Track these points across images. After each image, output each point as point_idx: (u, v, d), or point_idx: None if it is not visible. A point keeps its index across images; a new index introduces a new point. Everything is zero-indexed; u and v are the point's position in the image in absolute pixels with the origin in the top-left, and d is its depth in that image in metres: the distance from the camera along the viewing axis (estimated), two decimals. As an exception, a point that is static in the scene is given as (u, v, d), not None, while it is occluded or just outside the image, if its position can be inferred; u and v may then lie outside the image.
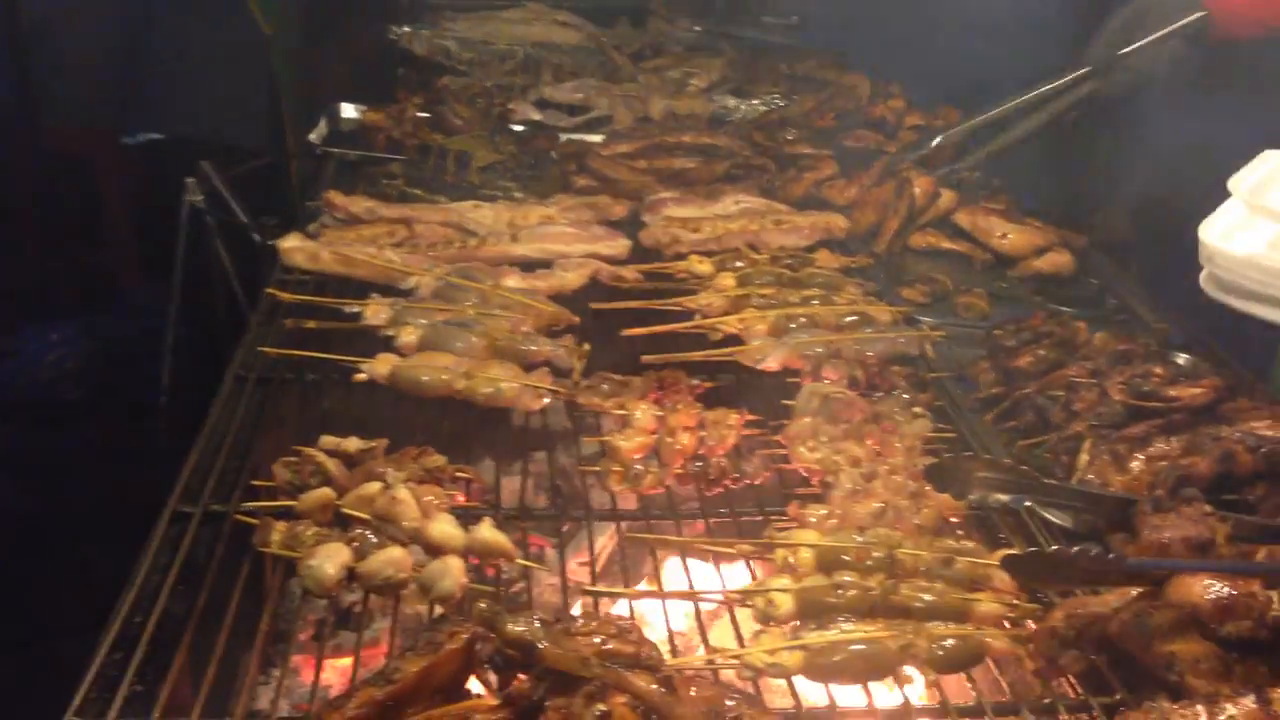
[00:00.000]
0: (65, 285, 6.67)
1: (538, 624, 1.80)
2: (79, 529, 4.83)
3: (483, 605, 1.84)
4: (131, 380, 5.70)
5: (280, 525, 2.22)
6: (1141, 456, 2.46)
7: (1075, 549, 2.07)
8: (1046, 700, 2.00)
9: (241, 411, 2.69)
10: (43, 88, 6.46)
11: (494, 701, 1.58)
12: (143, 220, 6.75)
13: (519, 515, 2.51)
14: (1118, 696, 1.97)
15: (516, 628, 1.78)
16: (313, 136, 4.43)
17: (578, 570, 3.03)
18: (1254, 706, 1.73)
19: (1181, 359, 3.14)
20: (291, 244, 3.38)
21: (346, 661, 2.74)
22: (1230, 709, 1.74)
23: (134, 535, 2.30)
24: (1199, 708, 1.74)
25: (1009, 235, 3.86)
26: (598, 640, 1.85)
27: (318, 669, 2.06)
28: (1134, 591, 2.07)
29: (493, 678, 1.82)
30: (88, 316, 6.13)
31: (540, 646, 1.76)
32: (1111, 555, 2.05)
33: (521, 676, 1.75)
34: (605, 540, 2.94)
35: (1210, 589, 1.99)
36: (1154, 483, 2.38)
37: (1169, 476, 2.36)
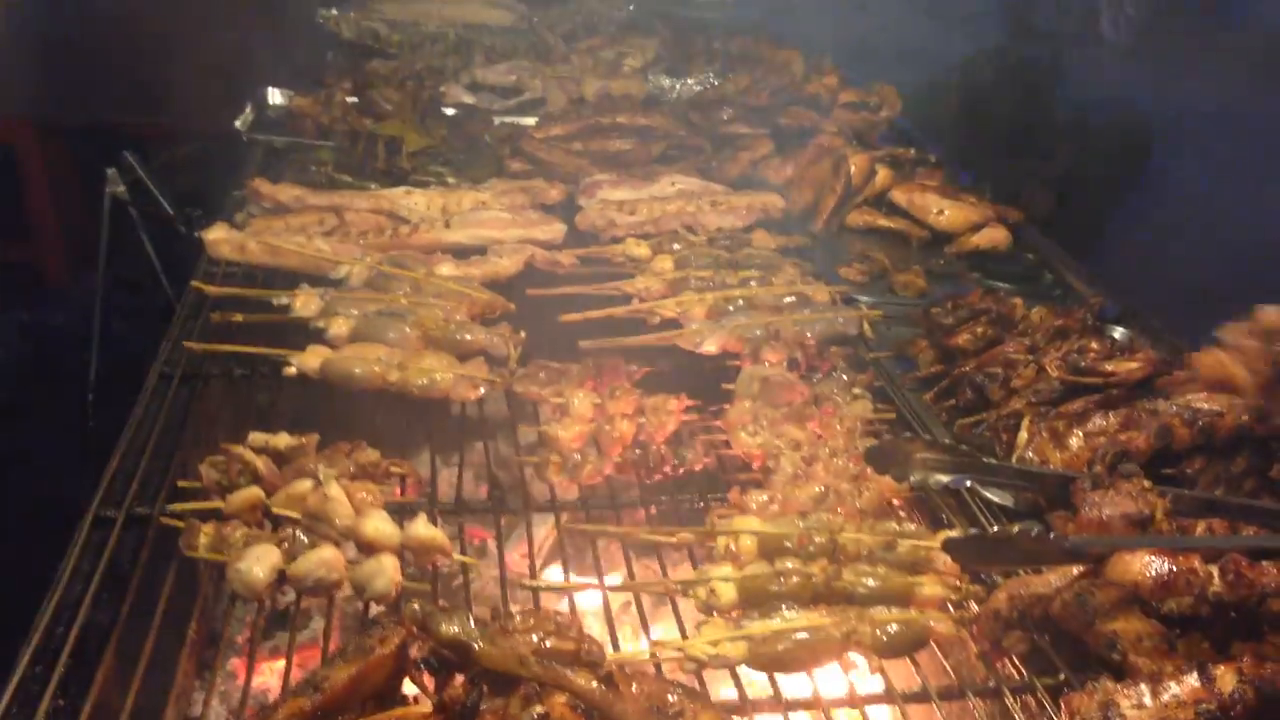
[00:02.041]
0: (-10, 280, 6.48)
1: (473, 624, 1.76)
2: (5, 531, 4.69)
3: (415, 606, 1.79)
4: (60, 377, 5.55)
5: (207, 528, 2.15)
6: (1080, 433, 2.46)
7: (1016, 529, 2.06)
8: (991, 683, 1.99)
9: (166, 410, 2.60)
10: (-42, 75, 6.25)
11: (427, 708, 1.53)
12: (67, 212, 6.56)
13: (456, 510, 2.46)
14: (1062, 677, 1.97)
15: (451, 628, 1.73)
16: (238, 123, 4.32)
17: (518, 562, 2.99)
18: (1196, 685, 1.73)
19: (1118, 333, 3.16)
20: (217, 235, 3.28)
21: (281, 664, 2.69)
22: (1174, 687, 1.73)
23: (56, 534, 2.22)
24: (1142, 687, 1.74)
25: (945, 211, 3.86)
26: (536, 638, 1.81)
27: (250, 672, 1.99)
28: (1075, 570, 2.07)
29: (428, 680, 1.77)
30: (14, 313, 5.95)
31: (476, 647, 1.71)
32: (1052, 535, 2.04)
33: (458, 677, 1.70)
34: (545, 531, 2.90)
35: (1150, 566, 1.99)
36: (1093, 459, 2.39)
37: (1107, 452, 2.37)
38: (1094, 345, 2.63)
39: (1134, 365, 2.56)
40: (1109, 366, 2.56)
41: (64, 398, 5.30)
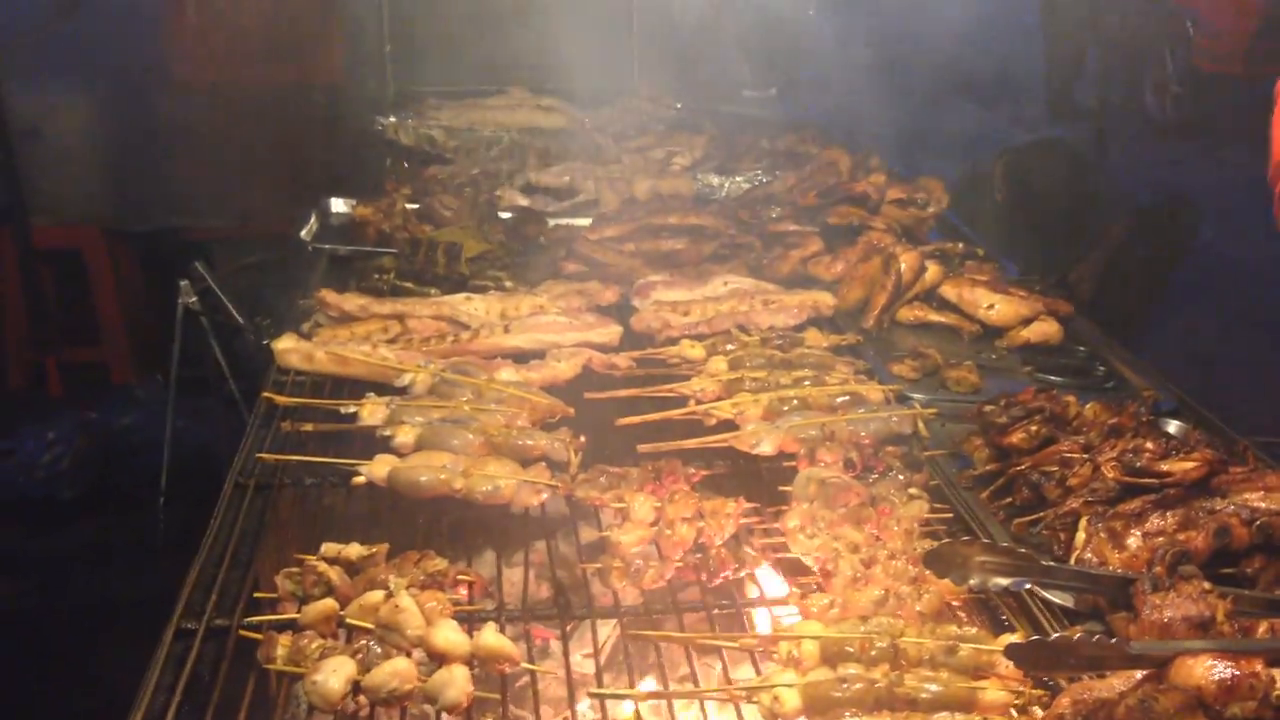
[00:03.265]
0: (61, 381, 6.69)
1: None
2: (79, 629, 4.80)
3: None
4: (129, 477, 5.70)
5: (284, 639, 2.22)
6: (1138, 533, 2.48)
7: (1077, 635, 2.08)
8: (1057, 789, 1.99)
9: (241, 520, 2.70)
10: (30, 185, 6.52)
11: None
12: (134, 313, 6.79)
13: (522, 616, 2.51)
14: (1128, 783, 1.97)
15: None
16: (304, 233, 4.48)
17: (583, 662, 3.03)
18: None
19: (1173, 426, 3.18)
20: (286, 345, 3.41)
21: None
22: None
23: (134, 635, 2.30)
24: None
25: (996, 306, 3.91)
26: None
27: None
28: (1139, 674, 2.08)
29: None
30: (83, 413, 6.13)
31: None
32: (1114, 640, 2.06)
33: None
34: (609, 633, 2.94)
35: (1213, 670, 2.00)
36: (1152, 560, 2.40)
37: (1166, 553, 2.37)
38: (1149, 445, 2.65)
39: (1190, 465, 2.57)
40: (1165, 466, 2.58)
41: (131, 496, 5.45)
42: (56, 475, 5.63)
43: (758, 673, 2.31)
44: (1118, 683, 2.08)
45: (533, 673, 2.33)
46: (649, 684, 2.57)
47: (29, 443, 5.71)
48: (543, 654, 3.18)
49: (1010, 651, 2.12)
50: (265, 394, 3.19)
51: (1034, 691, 2.16)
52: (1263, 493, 2.50)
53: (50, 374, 6.79)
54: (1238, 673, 1.99)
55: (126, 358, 6.80)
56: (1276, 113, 3.14)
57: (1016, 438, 2.92)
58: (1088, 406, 3.06)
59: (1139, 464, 2.61)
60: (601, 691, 2.25)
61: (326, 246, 4.36)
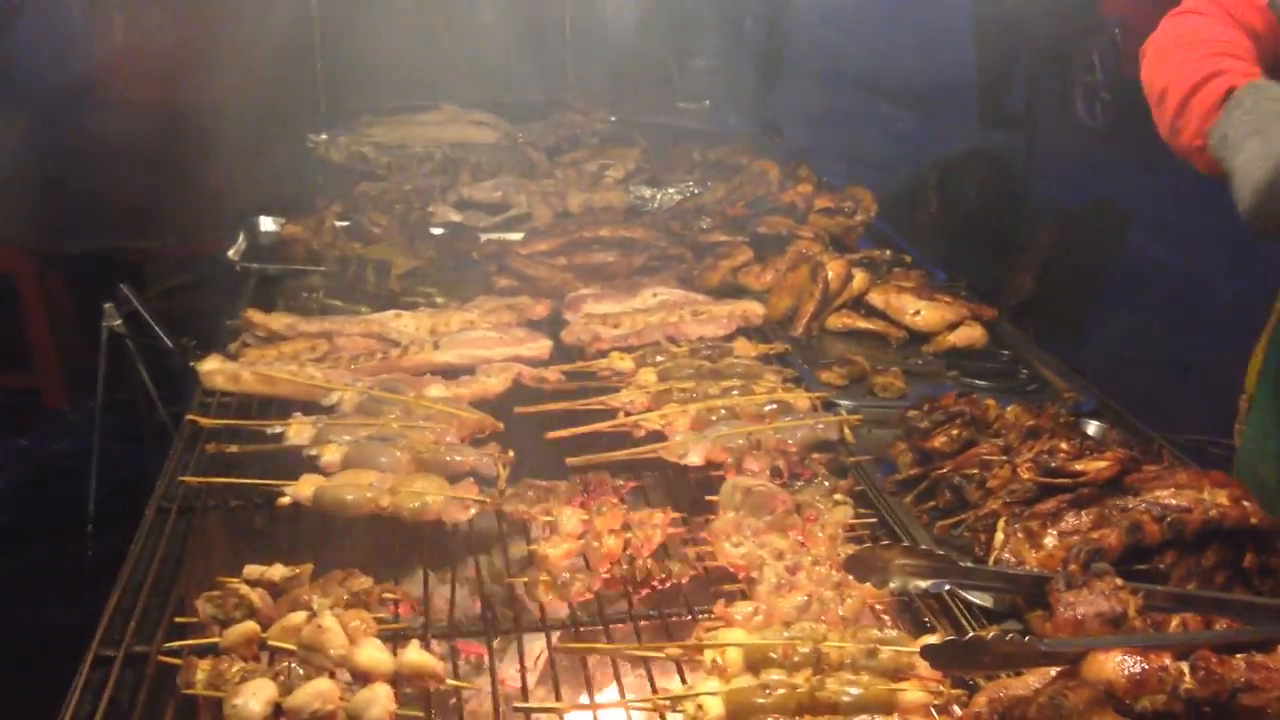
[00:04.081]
0: (-10, 407, 6.59)
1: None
2: (8, 655, 4.72)
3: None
4: (61, 502, 5.62)
5: (204, 664, 2.20)
6: (1054, 532, 2.52)
7: (991, 634, 2.12)
8: (974, 788, 2.02)
9: (164, 545, 2.67)
10: (-43, 208, 6.42)
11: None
12: (66, 338, 6.69)
13: (449, 632, 2.51)
14: (1043, 779, 2.00)
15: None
16: (232, 252, 4.45)
17: (512, 678, 3.02)
18: None
19: (1092, 427, 3.24)
20: (211, 366, 3.38)
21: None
22: None
23: (64, 662, 2.27)
24: None
25: (921, 312, 3.96)
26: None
27: (248, 808, 2.03)
28: (1053, 671, 2.11)
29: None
30: (13, 439, 6.04)
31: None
32: (1027, 638, 2.09)
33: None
34: (538, 649, 2.94)
35: (1123, 665, 2.04)
36: (1067, 558, 2.44)
37: (1080, 551, 2.42)
38: (1064, 445, 2.70)
39: (1103, 464, 2.62)
40: (1079, 466, 2.63)
41: (63, 522, 5.37)
42: (-14, 502, 5.55)
43: (684, 681, 2.33)
44: (1033, 680, 2.12)
45: (459, 690, 2.32)
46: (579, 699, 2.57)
47: (-42, 470, 5.62)
48: (475, 670, 3.17)
49: (927, 652, 2.14)
50: (189, 416, 3.17)
51: (953, 691, 2.19)
52: (1173, 490, 2.55)
53: (-19, 399, 6.68)
54: (1147, 666, 2.03)
55: (58, 382, 6.70)
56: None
57: (938, 442, 2.96)
58: (1009, 409, 3.11)
59: (1054, 464, 2.65)
60: (527, 706, 2.25)
61: (255, 265, 4.33)
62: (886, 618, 2.53)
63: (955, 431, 2.97)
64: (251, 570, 2.48)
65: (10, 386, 6.80)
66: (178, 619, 2.39)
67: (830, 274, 4.02)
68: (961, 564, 2.43)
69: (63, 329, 6.77)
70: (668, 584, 2.62)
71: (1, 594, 5.17)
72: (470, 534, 2.87)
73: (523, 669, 2.43)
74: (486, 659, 2.97)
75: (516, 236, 4.80)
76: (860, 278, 4.10)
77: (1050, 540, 2.52)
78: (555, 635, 2.53)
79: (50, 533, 5.53)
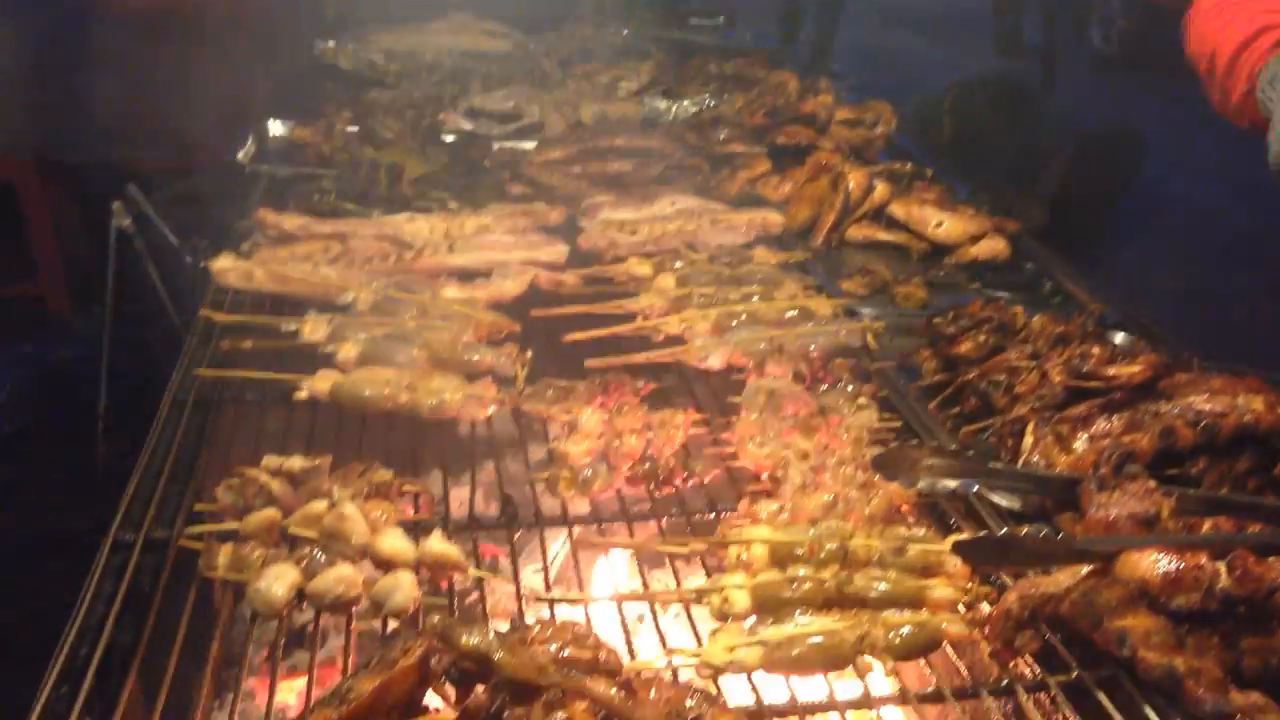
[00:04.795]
0: (-6, 316, 6.53)
1: (493, 635, 1.78)
2: (18, 564, 4.71)
3: (436, 619, 1.82)
4: (68, 409, 5.58)
5: (226, 549, 2.18)
6: (1084, 436, 2.49)
7: (1025, 531, 2.09)
8: (1005, 682, 2.00)
9: (180, 435, 2.63)
10: (-43, 115, 6.31)
11: (452, 715, 1.56)
12: (70, 246, 6.61)
13: (469, 526, 2.48)
14: (1075, 674, 1.99)
15: (471, 639, 1.76)
16: (241, 155, 4.36)
17: (532, 578, 3.01)
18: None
19: (1119, 338, 3.19)
20: (224, 264, 3.32)
21: (301, 682, 2.70)
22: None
23: (76, 568, 2.24)
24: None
25: (944, 224, 3.90)
26: (554, 647, 1.83)
27: (271, 690, 2.01)
28: (1084, 570, 2.09)
29: (450, 691, 1.80)
30: (19, 347, 5.99)
31: (496, 657, 1.74)
32: (1060, 535, 2.07)
33: (479, 688, 1.72)
34: (558, 546, 2.93)
35: (1158, 563, 2.02)
36: (1098, 462, 2.41)
37: (1112, 454, 2.39)
38: (1096, 350, 2.66)
39: (1136, 369, 2.58)
40: (1111, 370, 2.59)
41: (71, 431, 5.33)
42: (-5, 407, 5.51)
43: (708, 578, 2.30)
44: (1064, 579, 2.10)
45: (481, 580, 2.30)
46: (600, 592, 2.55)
47: (-36, 376, 5.58)
48: (490, 570, 3.16)
49: (958, 548, 2.13)
50: (203, 311, 3.11)
51: (981, 589, 2.17)
52: (1207, 395, 2.52)
53: (-15, 308, 6.62)
54: (1183, 565, 2.01)
55: (63, 291, 6.63)
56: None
57: (965, 347, 2.92)
58: (1035, 318, 3.06)
59: (1086, 369, 2.61)
60: (551, 596, 2.23)
61: (264, 168, 4.25)
62: (912, 520, 2.50)
63: (982, 337, 2.92)
64: (270, 461, 2.45)
65: (15, 296, 6.73)
66: (197, 507, 2.36)
67: (851, 184, 3.95)
68: (990, 465, 2.40)
69: (66, 239, 6.69)
70: (690, 483, 2.59)
71: (10, 501, 5.16)
72: (488, 438, 2.83)
73: (545, 562, 2.40)
74: (505, 561, 2.97)
75: (529, 145, 4.71)
76: (882, 188, 4.03)
77: (1080, 444, 2.49)
78: (577, 531, 2.50)
79: (58, 440, 5.50)
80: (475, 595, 2.62)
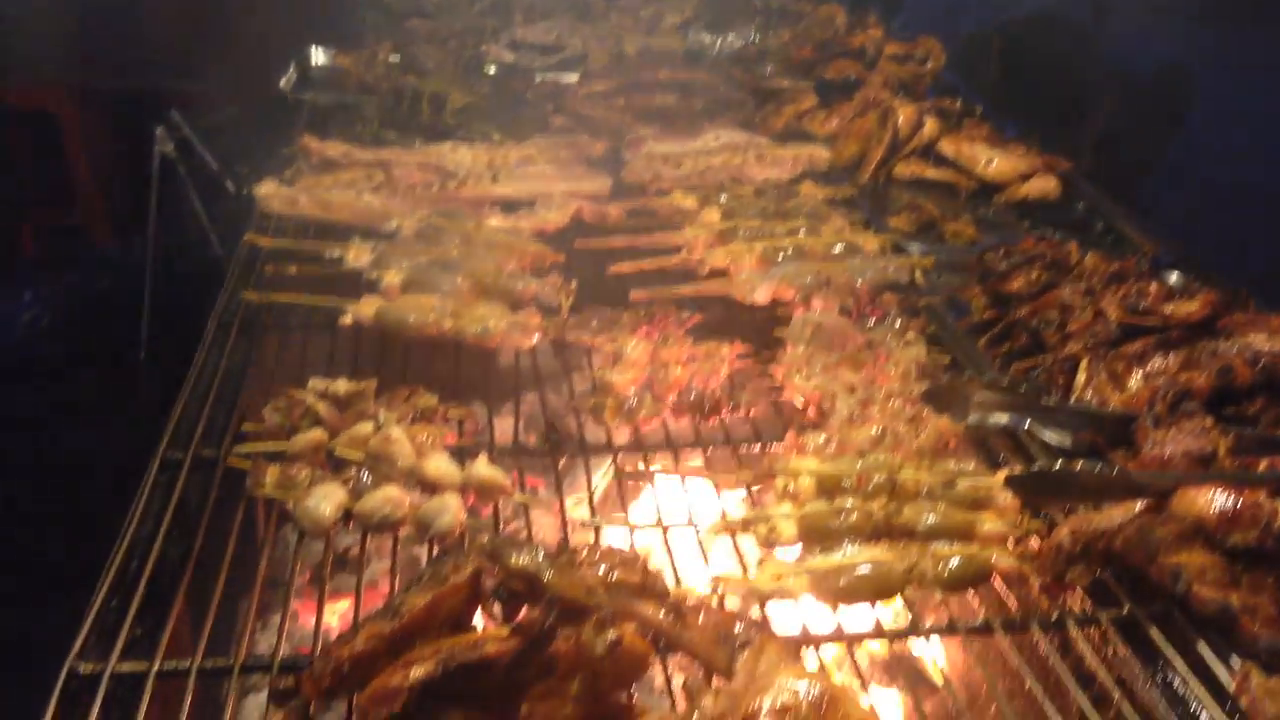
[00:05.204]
0: (36, 243, 6.54)
1: (542, 556, 1.78)
2: (62, 490, 4.76)
3: (485, 539, 1.82)
4: (109, 337, 5.61)
5: (273, 468, 2.18)
6: (1139, 374, 2.45)
7: (1080, 465, 2.06)
8: (1055, 615, 1.98)
9: (226, 358, 2.64)
10: (-3, 44, 6.29)
11: (505, 631, 1.55)
12: (111, 175, 6.61)
13: (513, 453, 2.47)
14: (1126, 609, 1.97)
15: (521, 560, 1.75)
16: (283, 83, 4.34)
17: (575, 509, 3.01)
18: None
19: (1173, 278, 3.13)
20: (269, 190, 3.31)
21: (346, 604, 2.72)
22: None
23: (121, 493, 2.25)
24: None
25: (994, 161, 3.83)
26: (603, 570, 1.83)
27: (319, 610, 2.01)
28: (1138, 506, 2.06)
29: (498, 611, 1.80)
30: (61, 274, 6.00)
31: (545, 577, 1.73)
32: (1116, 470, 2.04)
33: (528, 609, 1.72)
34: (601, 476, 2.92)
35: (1215, 500, 1.98)
36: (1153, 399, 2.37)
37: (1168, 392, 2.35)
38: (1153, 287, 2.61)
39: (1194, 306, 2.53)
40: (1168, 308, 2.54)
41: (113, 360, 5.36)
42: (36, 335, 5.53)
43: (753, 508, 2.29)
44: (1117, 514, 2.07)
45: (525, 506, 2.29)
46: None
47: (6, 303, 5.60)
48: (533, 499, 3.17)
49: (1011, 481, 2.10)
50: (248, 236, 3.11)
51: (1032, 523, 2.14)
52: (1267, 334, 2.47)
53: (25, 238, 6.64)
54: (1241, 502, 1.97)
55: (103, 222, 6.64)
56: None
57: (1016, 284, 2.87)
58: (1088, 256, 3.00)
59: (1143, 305, 2.57)
60: (596, 522, 2.22)
61: (307, 96, 4.23)
62: (959, 456, 2.47)
63: (1034, 274, 2.87)
64: (316, 383, 2.44)
65: (55, 226, 6.75)
66: (244, 427, 2.36)
67: (900, 119, 3.88)
68: (1043, 400, 2.36)
69: (106, 169, 6.69)
70: (736, 413, 2.57)
71: (52, 429, 5.20)
72: (531, 369, 2.82)
73: (589, 490, 2.39)
74: (547, 489, 2.96)
75: (572, 78, 4.66)
76: (931, 124, 3.96)
77: (1135, 382, 2.45)
78: (621, 459, 2.49)
79: (100, 370, 5.53)
80: (518, 524, 2.63)
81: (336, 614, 2.71)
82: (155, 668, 1.74)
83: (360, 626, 1.61)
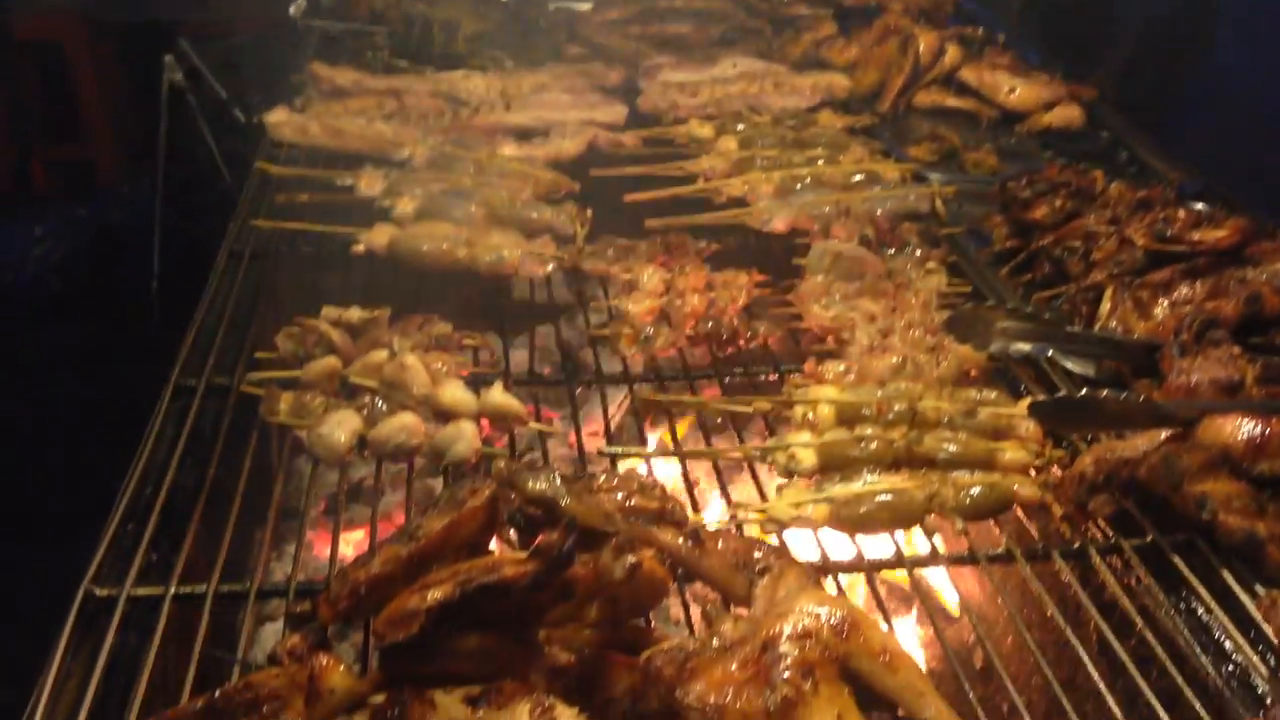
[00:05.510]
0: (46, 178, 6.50)
1: (559, 481, 1.76)
2: (74, 424, 4.77)
3: (501, 463, 1.80)
4: (120, 271, 5.59)
5: (287, 395, 2.16)
6: (1165, 302, 2.40)
7: (1105, 393, 2.03)
8: (1077, 544, 1.96)
9: (238, 287, 2.61)
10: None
11: (522, 554, 1.53)
12: (120, 110, 6.56)
13: (529, 381, 2.45)
14: (1149, 539, 1.94)
15: (538, 485, 1.73)
16: (292, 10, 4.27)
17: (590, 440, 2.99)
18: None
19: (1199, 207, 3.07)
20: (279, 117, 3.27)
21: (360, 535, 2.72)
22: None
23: (133, 425, 2.23)
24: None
25: (1017, 90, 3.76)
26: (620, 496, 1.81)
27: (334, 540, 1.99)
28: (1163, 434, 2.03)
29: (515, 539, 1.78)
30: (71, 209, 5.97)
31: (563, 503, 1.71)
32: (1143, 398, 2.00)
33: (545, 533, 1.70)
34: (617, 407, 2.90)
35: (1243, 428, 1.95)
36: (1179, 328, 2.32)
37: (1194, 320, 2.30)
38: (1181, 214, 2.56)
39: (1222, 233, 2.48)
40: (1196, 235, 2.49)
41: (124, 293, 5.35)
42: (47, 270, 5.51)
43: (771, 437, 2.26)
44: (1141, 443, 2.03)
45: (541, 435, 2.27)
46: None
47: (17, 238, 5.57)
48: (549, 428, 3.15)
49: (1035, 409, 2.07)
50: (259, 163, 3.07)
51: (1055, 452, 2.11)
52: (1297, 262, 2.42)
53: (35, 173, 6.60)
54: (1269, 430, 1.94)
55: (113, 155, 6.59)
56: None
57: (1040, 212, 2.82)
58: (1113, 185, 2.94)
59: (1170, 233, 2.51)
60: (613, 450, 2.20)
61: (317, 23, 4.16)
62: (980, 385, 2.44)
63: (1059, 202, 2.81)
64: (329, 311, 2.41)
65: (64, 159, 6.70)
66: (257, 355, 2.33)
67: (921, 46, 3.81)
68: (1068, 329, 2.32)
69: (115, 101, 6.62)
70: (754, 343, 2.54)
71: (65, 361, 5.19)
72: (546, 300, 2.78)
73: (605, 419, 2.37)
74: (562, 420, 2.94)
75: (586, 5, 4.57)
76: (953, 52, 3.88)
77: (1160, 310, 2.40)
78: (638, 388, 2.46)
79: (111, 302, 5.52)
80: (534, 453, 2.61)
81: (351, 544, 2.71)
82: (171, 591, 1.73)
83: (378, 549, 1.59)
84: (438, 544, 1.58)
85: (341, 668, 1.44)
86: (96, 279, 5.68)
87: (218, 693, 1.36)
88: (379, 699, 1.43)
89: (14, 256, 5.53)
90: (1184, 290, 2.41)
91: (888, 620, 1.87)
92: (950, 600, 2.66)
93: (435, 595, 1.42)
